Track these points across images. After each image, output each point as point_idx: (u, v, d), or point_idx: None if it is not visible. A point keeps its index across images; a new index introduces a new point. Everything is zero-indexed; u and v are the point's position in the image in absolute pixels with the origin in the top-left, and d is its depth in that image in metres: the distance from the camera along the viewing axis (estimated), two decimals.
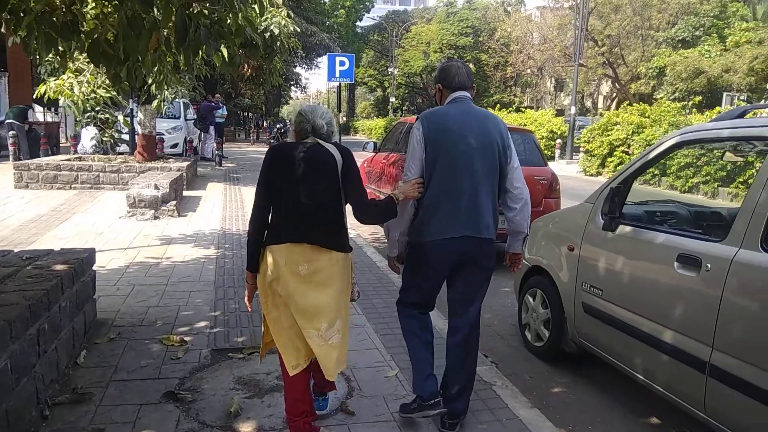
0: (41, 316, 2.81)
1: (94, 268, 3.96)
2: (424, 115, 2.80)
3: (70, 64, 10.37)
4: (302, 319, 2.47)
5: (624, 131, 15.64)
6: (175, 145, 15.25)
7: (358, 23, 51.22)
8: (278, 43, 12.21)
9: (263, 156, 2.60)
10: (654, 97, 32.59)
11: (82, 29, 4.21)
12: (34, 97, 10.14)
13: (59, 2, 4.12)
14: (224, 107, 19.03)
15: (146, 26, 3.88)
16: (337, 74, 14.04)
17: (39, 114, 19.46)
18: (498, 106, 27.18)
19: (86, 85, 10.06)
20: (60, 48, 4.36)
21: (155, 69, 5.96)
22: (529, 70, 44.35)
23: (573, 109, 20.26)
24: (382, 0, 63.14)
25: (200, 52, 6.17)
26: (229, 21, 4.29)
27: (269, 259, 2.47)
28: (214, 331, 3.90)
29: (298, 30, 12.84)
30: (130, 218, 7.64)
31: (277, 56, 13.11)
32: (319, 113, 2.57)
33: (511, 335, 4.46)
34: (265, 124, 40.47)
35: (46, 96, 9.91)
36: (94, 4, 4.47)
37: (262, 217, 2.53)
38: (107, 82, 10.56)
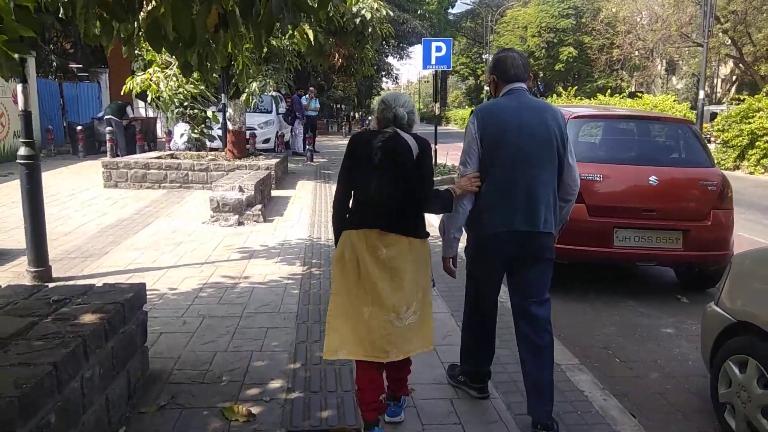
0: (42, 407, 1.97)
1: (161, 290, 3.14)
2: (479, 109, 2.77)
3: (158, 58, 10.00)
4: (382, 304, 2.48)
5: None
6: (267, 140, 14.79)
7: (450, 10, 49.57)
8: (370, 30, 11.30)
9: None
10: None
11: (140, 7, 3.38)
12: (122, 93, 9.86)
13: None
14: (316, 100, 18.48)
15: None
16: (434, 61, 12.89)
17: (141, 110, 19.92)
18: (609, 91, 24.76)
19: (173, 79, 9.63)
20: (121, 33, 3.61)
21: (235, 58, 5.18)
22: (637, 53, 41.01)
23: (701, 94, 17.92)
24: None
25: (277, 31, 5.23)
26: None
27: (348, 242, 2.53)
28: (292, 397, 2.95)
29: (391, 14, 11.85)
30: (213, 224, 6.98)
31: (369, 44, 12.20)
32: (401, 101, 2.59)
33: (695, 412, 3.21)
34: (357, 115, 40.04)
35: (133, 91, 9.58)
36: None
37: (345, 200, 2.62)
38: (195, 76, 10.11)
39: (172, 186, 9.69)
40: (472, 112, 2.79)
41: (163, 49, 3.93)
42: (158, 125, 17.72)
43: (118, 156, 13.62)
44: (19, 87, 4.49)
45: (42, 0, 3.36)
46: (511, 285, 2.82)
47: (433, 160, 2.93)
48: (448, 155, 13.30)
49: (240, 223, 7.00)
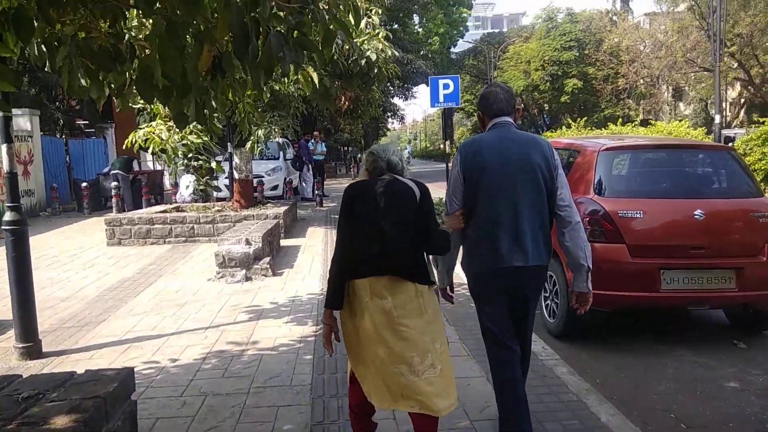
0: None
1: (160, 362, 2.68)
2: (462, 145, 2.80)
3: (161, 110, 9.79)
4: (390, 355, 2.41)
5: None
6: (275, 187, 14.50)
7: (452, 49, 50.09)
8: (375, 71, 11.07)
9: None
10: None
11: (131, 56, 3.07)
12: (124, 147, 9.61)
13: (96, 22, 3.02)
14: (323, 144, 18.28)
15: (190, 35, 2.64)
16: (441, 98, 12.64)
17: (149, 163, 19.82)
18: (620, 120, 24.40)
19: (176, 131, 9.37)
20: (111, 85, 3.31)
21: (236, 105, 4.85)
22: (642, 80, 40.97)
23: (717, 118, 17.53)
24: (473, 26, 61.70)
25: (277, 73, 4.89)
26: (314, 26, 2.95)
27: (353, 293, 2.48)
28: None
29: (397, 54, 11.65)
30: (219, 280, 6.55)
31: (375, 85, 11.98)
32: (391, 151, 2.62)
33: None
34: (364, 157, 40.00)
35: (137, 144, 9.33)
36: (136, 21, 3.35)
37: (345, 253, 2.54)
38: (199, 127, 9.87)
39: (177, 241, 9.32)
40: (457, 147, 2.85)
41: (158, 102, 3.58)
42: (165, 178, 17.53)
43: (124, 211, 13.39)
44: (3, 147, 4.15)
45: (28, 53, 3.04)
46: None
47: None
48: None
49: (247, 278, 6.56)
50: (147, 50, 3.07)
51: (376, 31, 10.13)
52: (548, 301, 4.98)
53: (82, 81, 3.22)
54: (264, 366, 4.00)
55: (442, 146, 72.72)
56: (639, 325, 5.12)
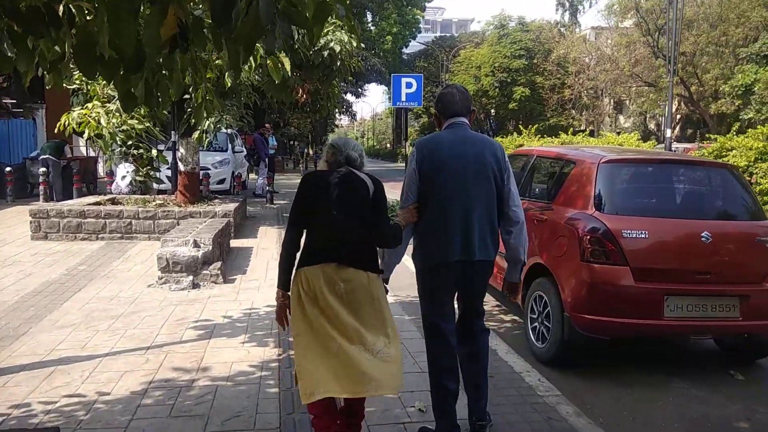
0: None
1: (88, 396, 2.01)
2: (419, 142, 2.92)
3: (99, 90, 8.82)
4: (344, 337, 2.48)
5: (744, 158, 13.14)
6: (221, 181, 13.57)
7: (404, 50, 49.86)
8: (338, 63, 10.47)
9: None
10: (740, 117, 29.70)
11: (71, 22, 2.41)
12: (55, 131, 8.61)
13: None
14: (273, 137, 17.45)
15: None
16: (404, 98, 12.12)
17: (82, 148, 18.35)
18: (570, 129, 24.64)
19: (116, 114, 8.45)
20: (44, 56, 2.63)
21: (194, 89, 4.19)
22: (585, 92, 42.08)
23: (668, 132, 17.83)
24: (423, 29, 61.57)
25: (257, 52, 4.24)
26: None
27: (305, 279, 2.54)
28: None
29: (363, 46, 11.09)
30: (162, 286, 5.78)
31: (337, 79, 11.37)
32: (351, 145, 2.70)
33: None
34: (311, 152, 39.15)
35: (69, 128, 8.34)
36: None
37: (296, 241, 2.63)
38: (141, 111, 8.96)
39: (112, 237, 8.39)
40: (413, 145, 2.95)
41: (101, 78, 2.94)
42: (99, 165, 16.25)
43: (53, 200, 12.20)
44: None
45: None
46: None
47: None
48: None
49: (195, 285, 5.82)
50: (89, 14, 2.40)
51: (342, 23, 9.52)
52: (536, 324, 4.53)
53: (7, 50, 2.54)
54: (220, 401, 3.34)
55: (389, 145, 72.67)
56: (622, 350, 4.74)
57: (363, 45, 29.24)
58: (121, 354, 4.03)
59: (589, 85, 40.13)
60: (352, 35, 10.35)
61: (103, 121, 7.92)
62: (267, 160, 14.50)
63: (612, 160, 4.37)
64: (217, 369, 3.79)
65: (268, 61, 4.39)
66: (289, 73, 5.50)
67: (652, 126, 43.75)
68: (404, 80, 12.21)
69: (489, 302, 5.89)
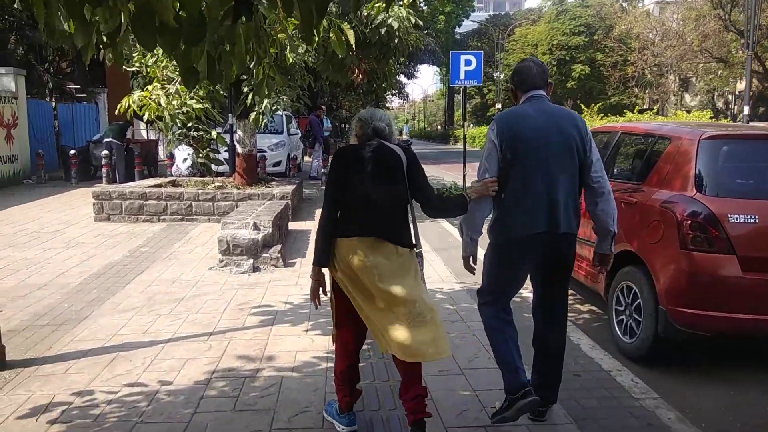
0: None
1: (150, 385, 1.81)
2: (498, 116, 2.86)
3: (158, 72, 8.80)
4: (377, 308, 2.53)
5: None
6: (278, 163, 13.52)
7: (457, 29, 48.75)
8: (396, 41, 10.10)
9: None
10: None
11: None
12: (116, 112, 8.64)
13: None
14: (327, 120, 17.32)
15: None
16: (463, 75, 11.68)
17: (142, 131, 18.73)
18: (637, 108, 23.43)
19: (175, 96, 8.39)
20: (101, 30, 2.43)
21: (255, 64, 3.94)
22: (649, 69, 40.13)
23: (746, 110, 16.57)
24: (476, 8, 59.86)
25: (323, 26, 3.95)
26: None
27: (338, 251, 2.56)
28: None
29: (420, 23, 10.66)
30: (223, 269, 5.66)
31: (394, 57, 11.00)
32: (378, 116, 2.67)
33: None
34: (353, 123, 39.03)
35: (130, 111, 8.35)
36: None
37: (331, 214, 2.61)
38: (201, 92, 8.89)
39: (173, 218, 8.40)
40: (492, 119, 2.93)
41: (163, 57, 2.67)
42: (160, 148, 16.51)
43: (115, 182, 12.43)
44: None
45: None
46: (535, 289, 2.98)
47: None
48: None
49: (255, 269, 5.68)
50: None
51: None
52: (622, 317, 4.13)
53: (64, 24, 2.37)
54: (286, 394, 3.13)
55: (440, 127, 71.52)
56: (719, 345, 4.28)
57: (421, 22, 28.67)
58: (184, 340, 3.89)
59: (653, 62, 38.25)
60: (411, 11, 9.98)
61: (163, 103, 7.85)
62: (321, 141, 14.34)
63: (714, 136, 3.89)
64: (282, 359, 3.59)
65: (331, 35, 4.10)
66: (354, 46, 5.22)
67: (720, 104, 41.41)
68: (463, 57, 11.76)
69: None
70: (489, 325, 2.89)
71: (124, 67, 9.14)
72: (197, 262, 6.02)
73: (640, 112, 24.19)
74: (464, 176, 11.71)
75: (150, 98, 8.38)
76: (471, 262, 2.93)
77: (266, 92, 3.71)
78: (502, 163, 2.73)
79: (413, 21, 9.71)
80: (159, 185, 9.24)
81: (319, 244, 2.62)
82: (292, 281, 5.36)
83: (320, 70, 11.02)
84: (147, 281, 5.35)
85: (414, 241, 2.67)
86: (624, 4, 44.90)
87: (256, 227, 5.94)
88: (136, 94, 8.49)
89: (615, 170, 4.87)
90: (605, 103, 41.76)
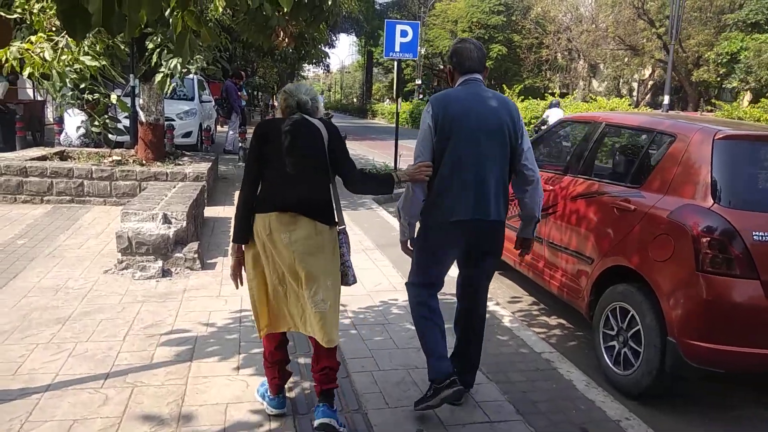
0: None
1: None
2: (434, 98, 2.81)
3: (45, 21, 7.27)
4: (287, 285, 2.57)
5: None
6: (188, 134, 12.07)
7: (376, 0, 47.57)
8: (329, 2, 9.06)
9: None
10: (723, 86, 29.28)
11: None
12: None
13: None
14: (244, 87, 15.91)
15: None
16: (398, 47, 10.84)
17: (29, 90, 16.37)
18: (557, 93, 23.48)
19: (65, 51, 6.95)
20: None
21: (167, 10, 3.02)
22: (561, 53, 41.21)
23: (666, 99, 16.90)
24: None
25: None
26: None
27: (256, 226, 2.54)
28: None
29: None
30: (123, 273, 4.57)
31: (328, 20, 9.93)
32: (303, 90, 2.65)
33: None
34: (276, 104, 37.36)
35: (7, 66, 6.83)
36: None
37: (252, 190, 2.60)
38: (97, 47, 7.47)
39: (60, 200, 7.04)
40: (427, 101, 2.93)
41: (52, 2, 1.73)
42: (48, 110, 14.45)
43: None
44: None
45: None
46: (461, 273, 2.98)
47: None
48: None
49: (165, 273, 4.63)
50: None
51: None
52: (613, 343, 3.55)
53: None
54: None
55: (356, 100, 70.20)
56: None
57: None
58: (69, 387, 2.87)
59: (566, 47, 39.25)
60: None
61: (48, 57, 6.41)
62: (238, 111, 13.02)
63: (731, 136, 3.33)
64: (206, 417, 2.67)
65: None
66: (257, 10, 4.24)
67: (624, 91, 43.31)
68: (399, 27, 10.89)
69: (522, 298, 4.92)
70: (416, 312, 2.91)
71: (1, 13, 7.39)
72: (89, 262, 4.86)
73: (562, 96, 24.43)
74: (396, 157, 10.93)
75: (33, 52, 6.90)
76: (409, 245, 2.94)
77: (189, 51, 2.70)
78: (435, 146, 2.70)
79: None
80: (44, 158, 7.76)
81: (238, 221, 2.59)
82: (214, 290, 4.37)
83: (239, 30, 9.79)
84: (22, 289, 4.17)
85: (336, 219, 2.66)
86: None
87: (166, 219, 4.87)
88: (15, 46, 6.96)
89: (598, 168, 4.28)
90: (520, 86, 42.54)
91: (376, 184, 2.87)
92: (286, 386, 2.82)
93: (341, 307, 3.94)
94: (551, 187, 4.37)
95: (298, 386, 3.02)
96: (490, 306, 4.39)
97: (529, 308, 4.73)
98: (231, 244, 2.67)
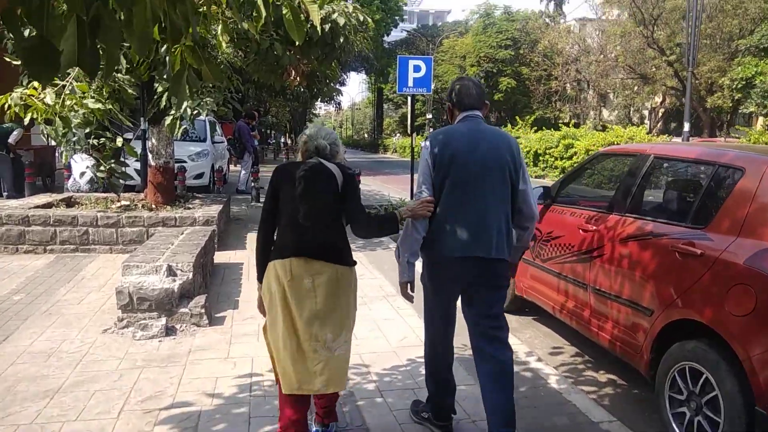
0: None
1: None
2: (433, 135, 2.82)
3: None
4: (306, 332, 2.49)
5: None
6: (200, 176, 11.81)
7: (384, 38, 48.19)
8: (342, 40, 8.83)
9: None
10: (739, 111, 28.88)
11: None
12: None
13: None
14: (256, 127, 15.74)
15: None
16: (411, 83, 10.59)
17: (43, 135, 16.30)
18: (572, 122, 23.16)
19: (70, 96, 6.70)
20: None
21: (162, 45, 2.66)
22: (569, 84, 41.20)
23: (686, 126, 16.44)
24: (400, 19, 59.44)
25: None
26: None
27: (274, 272, 2.53)
28: None
29: (370, 21, 9.44)
30: (123, 333, 4.16)
31: (340, 58, 9.70)
32: (322, 134, 2.67)
33: None
34: (289, 142, 37.41)
35: (10, 113, 6.59)
36: None
37: (269, 233, 2.66)
38: (103, 91, 7.25)
39: (64, 249, 6.69)
40: (426, 137, 3.04)
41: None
42: (58, 155, 14.30)
43: (1, 197, 10.43)
44: None
45: None
46: (466, 312, 2.86)
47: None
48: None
49: (169, 331, 4.21)
50: None
51: None
52: (683, 408, 3.05)
53: None
54: None
55: (367, 135, 70.61)
56: None
57: (370, 19, 27.51)
58: None
59: (575, 77, 39.24)
60: (357, 7, 8.78)
61: (49, 101, 6.16)
62: (251, 151, 12.77)
63: None
64: None
65: (286, 12, 2.79)
66: (318, 27, 3.92)
67: (635, 119, 42.99)
68: (412, 63, 10.67)
69: (563, 348, 4.43)
70: (428, 354, 2.95)
71: (8, 59, 7.11)
72: (88, 320, 4.46)
73: (576, 126, 24.18)
74: (412, 192, 10.57)
75: (36, 97, 6.66)
76: (409, 289, 2.87)
77: (187, 92, 2.33)
78: (435, 183, 2.71)
79: (361, 18, 8.49)
80: (49, 205, 7.47)
81: (258, 261, 2.66)
82: (222, 351, 3.93)
83: (250, 71, 9.60)
84: (12, 354, 3.77)
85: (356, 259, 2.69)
86: (548, 20, 46.02)
87: (171, 272, 4.47)
88: (18, 92, 6.74)
89: (650, 206, 3.83)
90: (531, 117, 42.52)
91: (380, 225, 2.77)
92: None
93: (364, 369, 3.52)
94: (594, 227, 3.92)
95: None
96: (531, 362, 3.91)
97: (573, 361, 4.23)
98: (258, 284, 2.72)
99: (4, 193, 10.96)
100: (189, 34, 2.34)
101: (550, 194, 4.69)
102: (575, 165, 18.70)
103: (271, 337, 2.60)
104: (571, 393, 3.45)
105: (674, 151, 3.84)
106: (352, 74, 49.08)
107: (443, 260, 2.72)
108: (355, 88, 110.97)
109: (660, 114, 41.61)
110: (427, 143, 2.77)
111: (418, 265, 2.85)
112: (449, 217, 2.68)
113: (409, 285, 2.85)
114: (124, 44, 2.41)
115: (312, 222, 2.52)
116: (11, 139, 11.18)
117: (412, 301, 2.93)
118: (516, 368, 3.85)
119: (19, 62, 7.43)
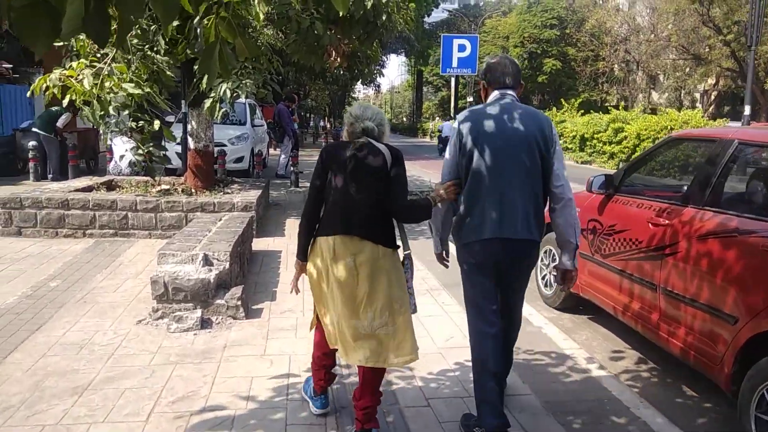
0: None
1: None
2: (463, 115, 2.78)
3: (87, 47, 6.97)
4: (348, 309, 2.53)
5: None
6: (239, 159, 11.72)
7: (425, 19, 47.38)
8: (384, 17, 8.48)
9: None
10: None
11: None
12: (28, 95, 6.80)
13: None
14: (296, 110, 15.57)
15: None
16: (455, 62, 10.28)
17: (82, 118, 16.54)
18: (622, 104, 22.27)
19: (108, 77, 6.58)
20: None
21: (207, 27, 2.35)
22: (617, 66, 39.66)
23: (747, 109, 15.49)
24: None
25: None
26: None
27: (319, 249, 2.59)
28: None
29: None
30: (157, 324, 4.00)
31: (382, 36, 9.34)
32: (368, 115, 2.64)
33: None
34: (329, 126, 37.28)
35: (48, 94, 6.51)
36: None
37: (315, 211, 2.67)
38: (142, 73, 7.12)
39: (103, 233, 6.63)
40: (454, 118, 2.69)
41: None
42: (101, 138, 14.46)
43: (45, 179, 10.58)
44: None
45: None
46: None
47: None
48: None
49: (205, 323, 4.02)
50: None
51: None
52: (760, 411, 2.68)
53: None
54: None
55: (405, 119, 69.94)
56: None
57: None
58: None
59: (623, 58, 37.72)
60: None
61: (86, 84, 6.04)
62: (291, 135, 12.59)
63: None
64: None
65: None
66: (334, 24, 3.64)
67: (686, 102, 41.17)
68: (456, 42, 10.43)
69: (625, 352, 4.06)
70: (474, 344, 2.77)
71: (54, 43, 7.06)
72: (122, 309, 4.32)
73: (625, 108, 23.19)
74: None
75: (75, 78, 6.56)
76: (444, 257, 2.96)
77: (218, 68, 2.06)
78: (462, 163, 2.66)
79: None
80: (89, 188, 7.42)
81: (301, 240, 2.69)
82: (258, 347, 3.72)
83: (290, 53, 9.33)
84: (42, 346, 3.64)
85: (399, 243, 2.67)
86: None
87: (207, 261, 4.27)
88: (57, 73, 6.66)
89: (733, 199, 3.41)
90: (576, 99, 41.25)
91: (416, 210, 2.70)
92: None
93: (408, 371, 3.26)
94: (667, 222, 3.53)
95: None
96: (593, 369, 3.57)
97: (637, 368, 3.86)
98: (295, 260, 2.76)
99: (49, 176, 11.12)
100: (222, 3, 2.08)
101: (612, 183, 4.29)
102: (624, 149, 17.92)
103: (319, 309, 2.69)
104: (640, 408, 3.11)
105: (763, 137, 3.40)
106: (392, 56, 48.54)
107: (472, 242, 2.68)
108: (394, 71, 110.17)
109: (713, 97, 39.75)
110: (456, 124, 2.75)
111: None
112: (474, 200, 2.65)
113: (443, 253, 2.95)
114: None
115: (359, 200, 2.54)
116: (60, 123, 11.31)
117: (447, 266, 3.02)
118: (576, 376, 3.55)
119: (59, 43, 7.39)
